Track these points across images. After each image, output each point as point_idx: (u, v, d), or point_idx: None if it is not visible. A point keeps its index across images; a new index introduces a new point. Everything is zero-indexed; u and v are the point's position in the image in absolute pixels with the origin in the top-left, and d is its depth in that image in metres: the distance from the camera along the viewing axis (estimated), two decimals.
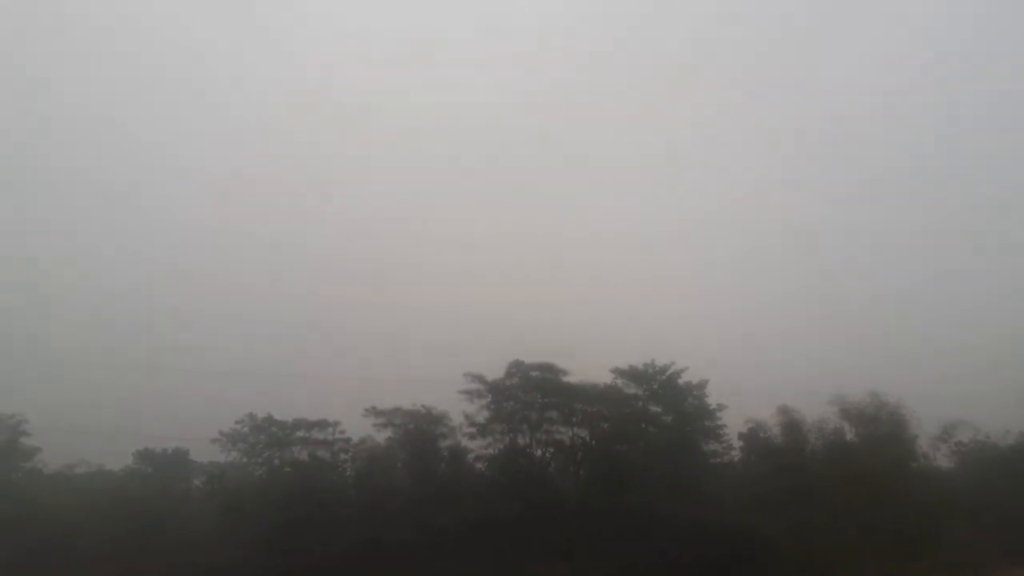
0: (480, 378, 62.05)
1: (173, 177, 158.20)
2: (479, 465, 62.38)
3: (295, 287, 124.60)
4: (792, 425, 56.81)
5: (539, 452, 63.09)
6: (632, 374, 64.57)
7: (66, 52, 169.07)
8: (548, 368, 62.81)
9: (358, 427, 62.82)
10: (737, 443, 63.03)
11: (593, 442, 63.08)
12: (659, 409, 64.12)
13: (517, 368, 62.53)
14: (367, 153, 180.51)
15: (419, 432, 61.52)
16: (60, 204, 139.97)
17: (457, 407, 61.98)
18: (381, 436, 62.93)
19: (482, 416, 61.99)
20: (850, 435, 53.14)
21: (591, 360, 68.40)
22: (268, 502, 56.72)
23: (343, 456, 63.01)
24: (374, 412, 61.53)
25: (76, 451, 64.98)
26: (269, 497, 57.66)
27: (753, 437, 60.51)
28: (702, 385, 63.58)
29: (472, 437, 62.05)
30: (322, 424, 62.42)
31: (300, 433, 62.29)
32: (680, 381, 63.81)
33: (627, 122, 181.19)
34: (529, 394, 62.40)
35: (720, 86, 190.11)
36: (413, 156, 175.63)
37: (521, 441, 62.92)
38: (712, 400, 63.47)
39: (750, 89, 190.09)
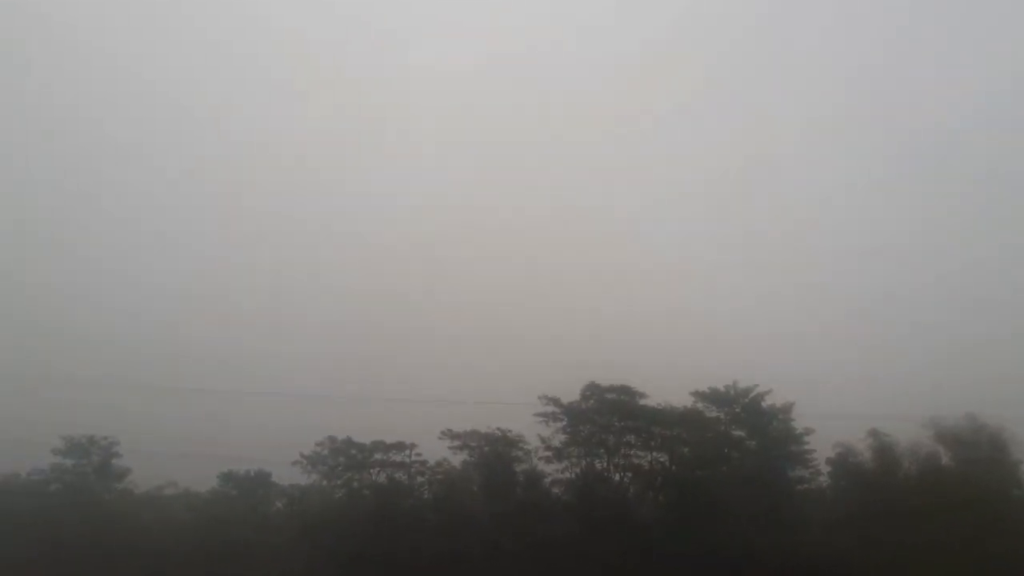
0: (555, 401, 62.25)
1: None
2: (555, 489, 62.44)
3: (368, 310, 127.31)
4: (884, 449, 55.53)
5: (617, 477, 62.90)
6: (713, 397, 63.63)
7: None
8: (624, 390, 62.61)
9: (434, 449, 63.97)
10: (825, 468, 61.28)
11: (673, 467, 62.43)
12: (742, 433, 63.05)
13: (592, 390, 62.49)
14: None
15: (494, 455, 62.17)
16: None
17: (532, 430, 62.55)
18: (457, 459, 64.03)
19: (558, 439, 62.31)
20: (946, 459, 51.34)
21: (667, 380, 67.58)
22: (347, 525, 58.23)
23: (420, 479, 64.09)
24: (449, 434, 62.62)
25: (164, 473, 68.21)
26: (348, 520, 59.13)
27: (842, 462, 58.90)
28: (787, 408, 62.07)
29: (548, 461, 62.42)
30: (399, 446, 63.73)
31: (378, 455, 63.73)
32: (764, 404, 62.50)
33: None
34: (605, 417, 62.26)
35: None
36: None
37: (598, 465, 62.95)
38: (798, 424, 61.86)
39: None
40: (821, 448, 60.69)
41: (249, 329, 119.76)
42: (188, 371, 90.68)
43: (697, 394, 63.82)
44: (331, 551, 56.70)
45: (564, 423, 62.41)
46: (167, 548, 58.66)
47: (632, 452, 62.69)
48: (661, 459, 62.83)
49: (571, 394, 62.68)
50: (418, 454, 64.11)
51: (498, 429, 62.74)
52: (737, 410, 63.09)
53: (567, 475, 62.22)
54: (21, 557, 56.74)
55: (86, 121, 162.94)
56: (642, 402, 62.49)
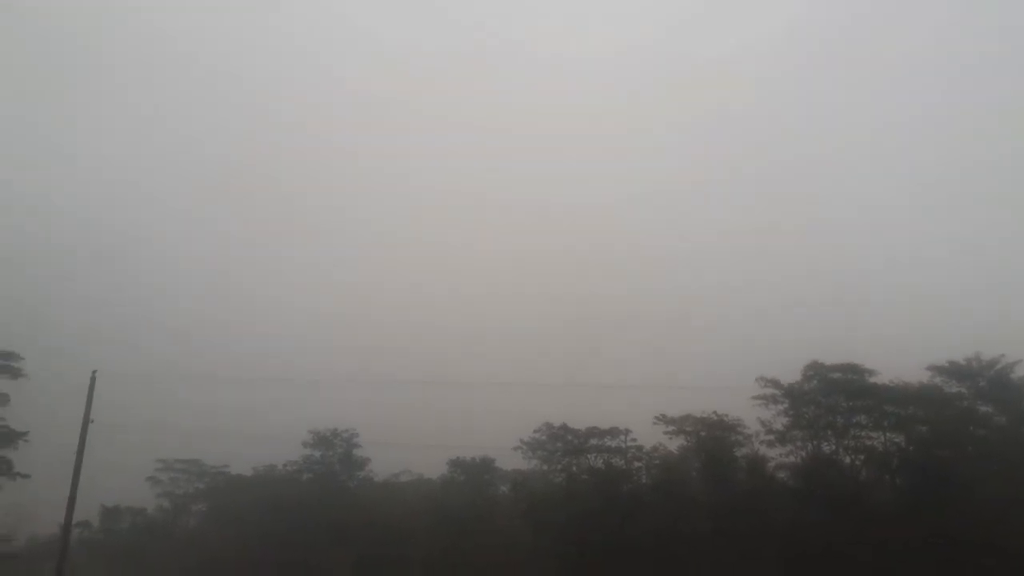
0: (775, 382, 61.70)
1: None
2: (780, 474, 61.86)
3: (582, 301, 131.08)
4: None
5: (847, 460, 61.22)
6: (953, 371, 60.57)
7: None
8: (851, 368, 61.09)
9: (648, 435, 65.56)
10: None
11: (910, 448, 59.79)
12: (989, 409, 59.38)
13: (815, 370, 61.40)
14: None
15: (713, 440, 62.51)
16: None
17: (750, 413, 62.51)
18: (673, 444, 65.26)
19: (780, 423, 61.81)
20: None
21: (897, 356, 64.53)
22: (569, 508, 61.32)
23: (636, 464, 65.76)
24: (664, 420, 63.75)
25: (400, 461, 75.39)
26: (569, 503, 62.23)
27: None
28: None
29: (770, 445, 62.00)
30: (614, 432, 66.04)
31: (593, 441, 66.38)
32: (1013, 376, 58.26)
33: None
34: (831, 397, 60.92)
35: None
36: None
37: (826, 448, 61.52)
38: None
39: None
40: None
41: (472, 324, 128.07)
42: (417, 365, 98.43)
43: (934, 368, 61.08)
44: (554, 532, 60.11)
45: (785, 405, 61.76)
46: (406, 529, 65.09)
47: (863, 433, 60.81)
48: (896, 440, 60.55)
49: (791, 375, 62.06)
50: (633, 439, 66.07)
51: (714, 413, 63.29)
52: (981, 384, 59.72)
53: (792, 459, 61.57)
54: (280, 537, 65.36)
55: None
56: (872, 380, 60.57)
